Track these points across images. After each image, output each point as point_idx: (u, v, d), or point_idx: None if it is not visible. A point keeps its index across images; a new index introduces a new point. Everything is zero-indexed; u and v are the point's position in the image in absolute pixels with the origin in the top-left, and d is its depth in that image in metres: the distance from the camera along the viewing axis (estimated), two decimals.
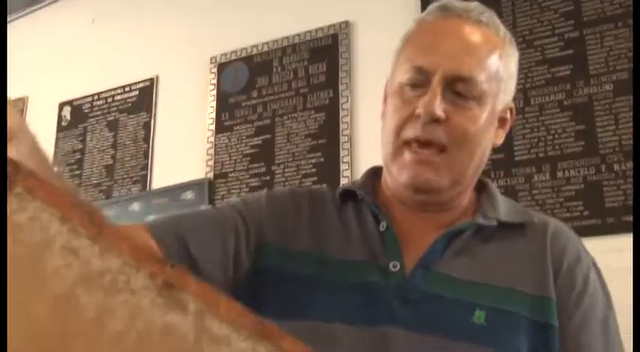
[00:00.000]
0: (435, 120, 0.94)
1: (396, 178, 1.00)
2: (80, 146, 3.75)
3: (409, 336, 0.91)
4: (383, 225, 1.01)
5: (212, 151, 3.28)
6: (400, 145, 0.98)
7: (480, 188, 1.07)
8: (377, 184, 1.09)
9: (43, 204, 0.40)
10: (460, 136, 0.96)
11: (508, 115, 1.05)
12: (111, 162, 3.62)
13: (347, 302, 0.95)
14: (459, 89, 0.95)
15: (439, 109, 0.94)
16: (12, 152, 0.76)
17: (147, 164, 3.49)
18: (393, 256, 0.98)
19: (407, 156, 0.97)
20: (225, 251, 0.99)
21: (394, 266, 0.96)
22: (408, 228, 1.01)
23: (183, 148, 3.37)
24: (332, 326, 0.93)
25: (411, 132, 0.96)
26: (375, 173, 1.10)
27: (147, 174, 3.47)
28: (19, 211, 0.40)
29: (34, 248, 0.40)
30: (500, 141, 1.05)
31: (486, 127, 0.99)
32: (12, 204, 0.40)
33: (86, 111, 3.79)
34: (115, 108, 3.69)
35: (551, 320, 0.93)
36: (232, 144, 3.25)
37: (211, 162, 3.27)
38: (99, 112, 3.74)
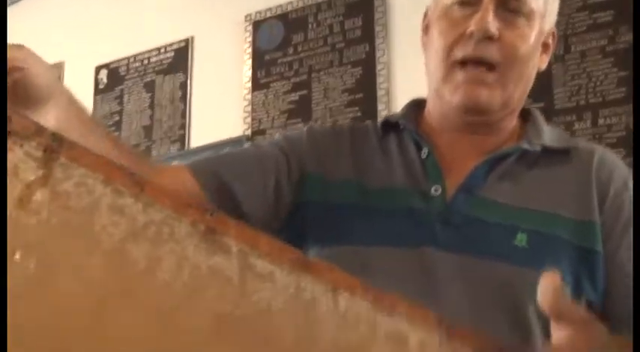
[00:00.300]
0: (488, 38, 0.94)
1: (448, 100, 0.99)
2: (118, 108, 3.79)
3: (451, 257, 0.92)
4: (424, 152, 1.01)
5: (249, 109, 3.29)
6: (450, 66, 0.98)
7: (526, 116, 1.07)
8: (419, 114, 1.09)
9: (87, 170, 0.42)
10: (512, 54, 0.96)
11: (550, 40, 1.05)
12: (149, 122, 3.65)
13: (388, 227, 0.96)
14: (511, 6, 0.96)
15: (493, 26, 0.94)
16: (51, 110, 0.79)
17: (185, 123, 3.51)
18: (434, 180, 0.98)
19: (460, 76, 0.97)
20: (266, 186, 1.01)
21: (435, 191, 0.97)
22: (451, 155, 1.02)
23: (220, 106, 3.38)
24: (374, 249, 0.94)
25: (460, 52, 0.96)
26: (417, 104, 1.11)
27: (185, 134, 3.49)
28: (65, 180, 0.41)
29: (82, 212, 0.41)
30: (544, 65, 1.05)
31: (534, 47, 0.99)
32: (57, 173, 0.41)
33: (122, 73, 3.82)
34: (151, 70, 3.71)
35: (595, 246, 0.93)
36: (269, 101, 3.25)
37: (249, 120, 3.27)
38: (135, 74, 3.77)
